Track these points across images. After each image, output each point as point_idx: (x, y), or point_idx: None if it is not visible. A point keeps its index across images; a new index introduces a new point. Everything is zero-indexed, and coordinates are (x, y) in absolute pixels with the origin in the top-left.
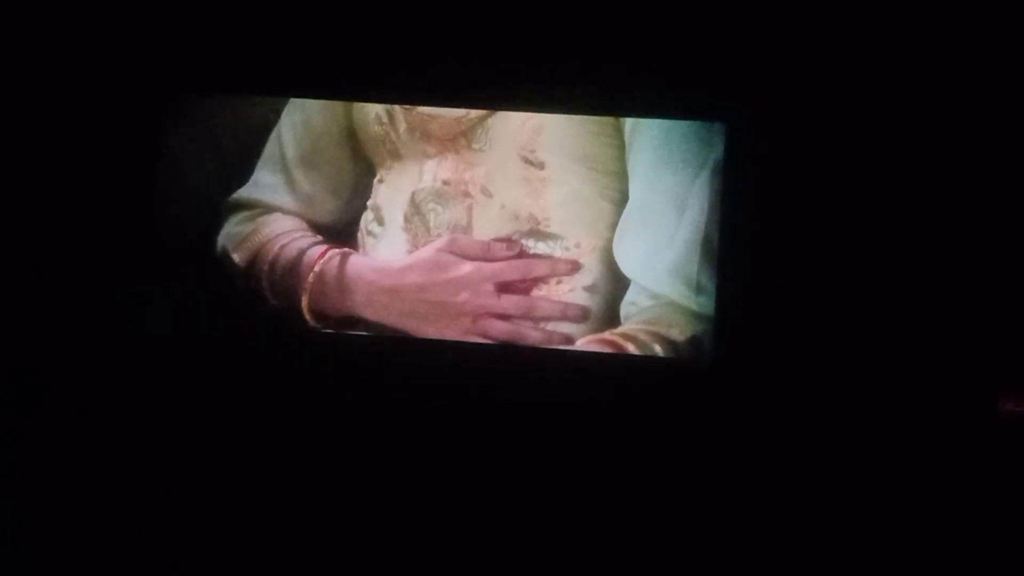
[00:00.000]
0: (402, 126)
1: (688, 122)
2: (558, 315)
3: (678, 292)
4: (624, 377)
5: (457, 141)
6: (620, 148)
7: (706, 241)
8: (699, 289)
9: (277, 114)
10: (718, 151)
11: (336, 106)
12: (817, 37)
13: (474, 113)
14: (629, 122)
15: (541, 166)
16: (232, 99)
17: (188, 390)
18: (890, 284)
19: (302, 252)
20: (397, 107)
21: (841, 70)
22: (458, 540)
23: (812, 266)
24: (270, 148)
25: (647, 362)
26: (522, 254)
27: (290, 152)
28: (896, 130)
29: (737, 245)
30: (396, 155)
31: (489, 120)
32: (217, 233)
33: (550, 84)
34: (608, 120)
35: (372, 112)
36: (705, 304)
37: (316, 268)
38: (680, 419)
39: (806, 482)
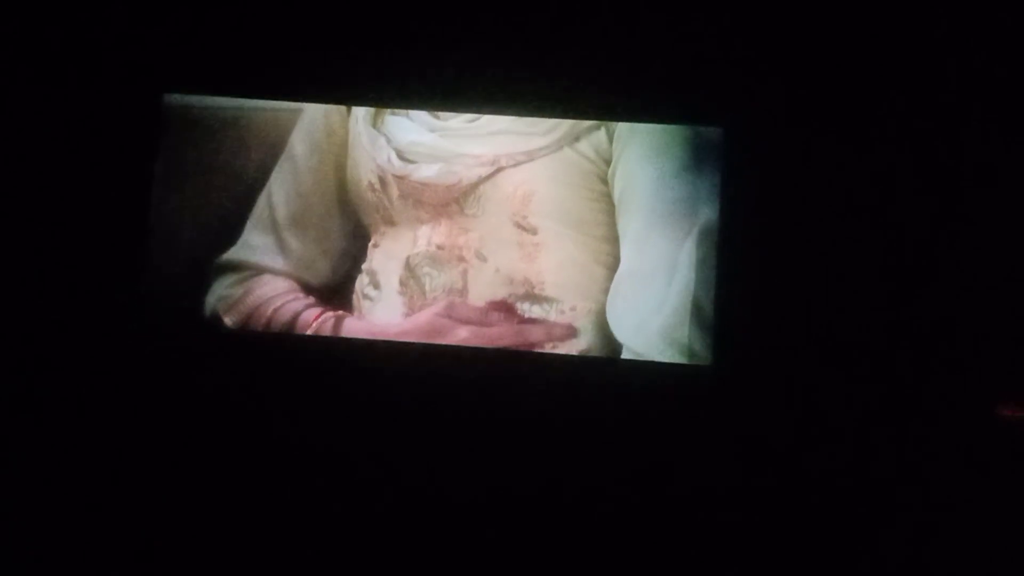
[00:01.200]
0: (395, 193)
1: (676, 186)
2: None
3: (669, 358)
4: (624, 382)
5: (450, 207)
6: (611, 213)
7: (696, 306)
8: (691, 355)
9: (267, 174)
10: (705, 216)
11: (327, 168)
12: (814, 42)
13: (466, 180)
14: (618, 187)
15: (534, 231)
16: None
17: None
18: (888, 289)
19: (296, 315)
20: (390, 174)
21: (838, 75)
22: (458, 542)
23: (810, 271)
24: (260, 208)
25: (647, 367)
26: (518, 318)
27: (281, 213)
28: (893, 138)
29: (736, 250)
30: (390, 221)
31: (481, 187)
32: (206, 294)
33: (547, 88)
34: (598, 186)
35: (364, 179)
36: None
37: (311, 331)
38: (680, 423)
39: (805, 486)
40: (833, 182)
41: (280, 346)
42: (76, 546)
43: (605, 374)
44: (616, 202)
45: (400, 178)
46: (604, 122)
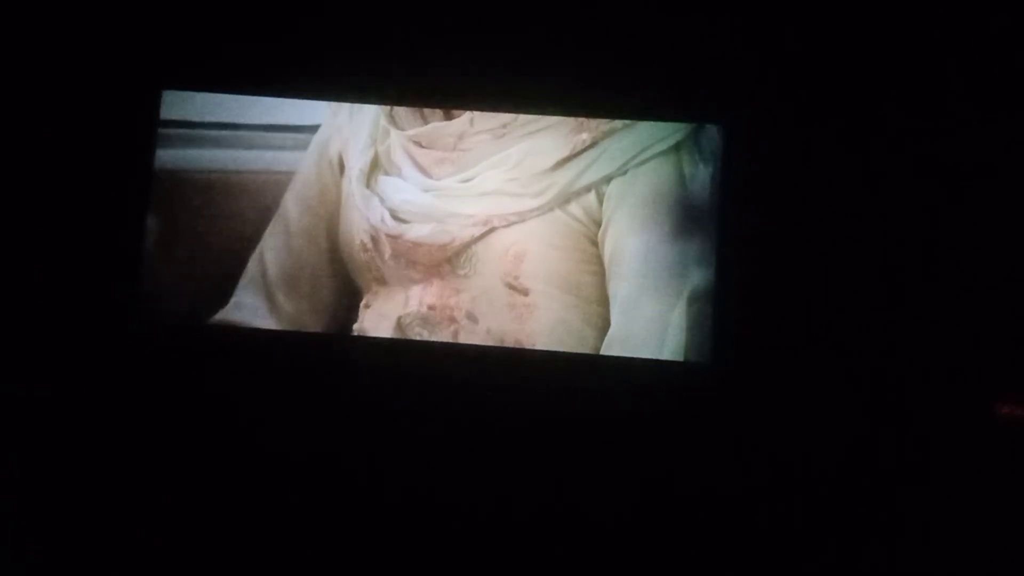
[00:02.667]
0: (387, 252)
1: (666, 249)
2: None
3: None
4: (625, 380)
5: (442, 267)
6: (601, 275)
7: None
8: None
9: (259, 234)
10: (696, 279)
11: (319, 228)
12: (813, 40)
13: (459, 240)
14: (608, 249)
15: (525, 292)
16: (213, 215)
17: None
18: (887, 290)
19: None
20: (383, 234)
21: (837, 73)
22: (458, 545)
23: (809, 271)
24: (251, 268)
25: (647, 366)
26: None
27: (272, 273)
28: (892, 138)
29: (734, 249)
30: (382, 281)
31: (473, 247)
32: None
33: (547, 87)
34: (589, 248)
35: (357, 239)
36: None
37: None
38: (679, 422)
39: (805, 485)
40: (832, 181)
41: (277, 347)
42: (73, 546)
43: (603, 373)
44: (606, 264)
45: (393, 238)
46: (594, 185)
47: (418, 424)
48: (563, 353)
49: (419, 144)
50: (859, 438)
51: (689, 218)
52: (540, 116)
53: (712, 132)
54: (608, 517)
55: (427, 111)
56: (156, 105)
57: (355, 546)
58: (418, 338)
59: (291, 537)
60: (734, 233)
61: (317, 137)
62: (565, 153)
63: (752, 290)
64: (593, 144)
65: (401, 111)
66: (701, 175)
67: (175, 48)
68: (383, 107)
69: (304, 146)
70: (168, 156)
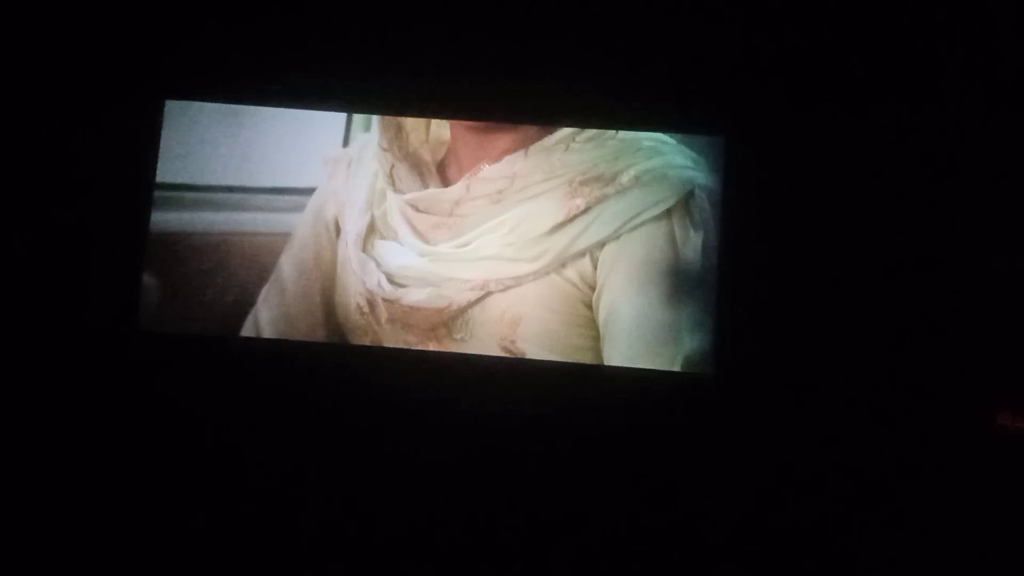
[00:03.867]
0: (383, 316)
1: (660, 315)
2: None
3: None
4: (627, 390)
5: (438, 330)
6: (596, 339)
7: None
8: None
9: (254, 295)
10: (690, 344)
11: (315, 290)
12: (816, 49)
13: (455, 304)
14: (602, 314)
15: (522, 356)
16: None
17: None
18: (887, 298)
19: None
20: (379, 298)
21: (838, 83)
22: (457, 548)
23: (810, 280)
24: (246, 329)
25: (649, 376)
26: None
27: (267, 334)
28: (892, 146)
29: (737, 259)
30: (378, 344)
31: (470, 311)
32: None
33: (549, 97)
34: (584, 311)
35: (353, 302)
36: None
37: None
38: (681, 432)
39: (804, 492)
40: (833, 190)
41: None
42: (69, 548)
43: (605, 383)
44: (601, 328)
45: (390, 302)
46: (589, 250)
47: (417, 434)
48: (564, 363)
49: (416, 208)
50: (858, 448)
51: (682, 283)
52: (535, 183)
53: (702, 199)
54: (610, 529)
55: (426, 175)
56: (158, 115)
57: (349, 558)
58: None
59: (282, 548)
60: (736, 244)
61: (313, 199)
62: (560, 218)
63: (753, 298)
64: (587, 209)
65: (401, 172)
66: (693, 240)
67: (177, 58)
68: (381, 167)
69: (301, 208)
70: (164, 219)
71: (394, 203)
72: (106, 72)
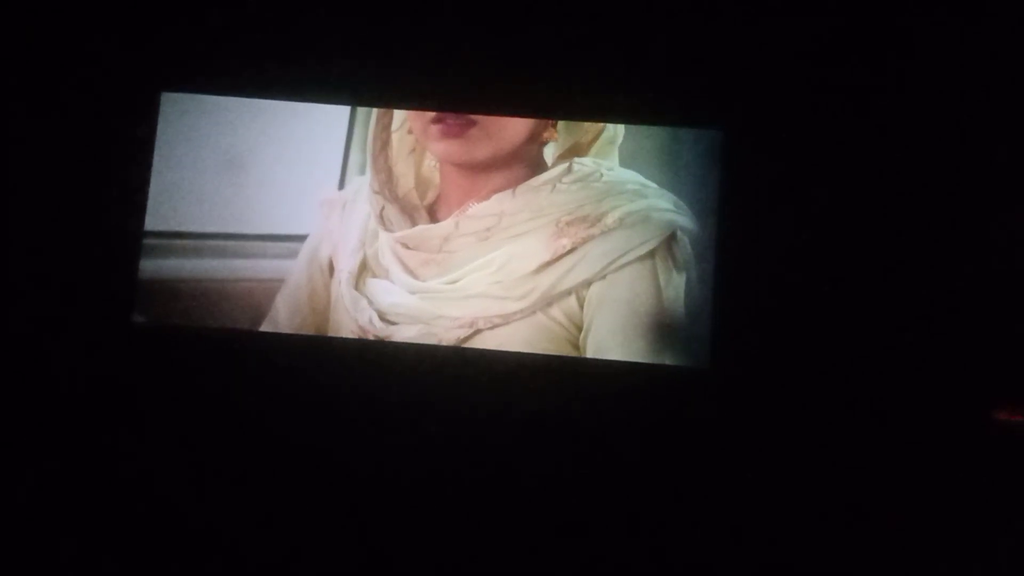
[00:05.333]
0: None
1: (643, 356)
2: None
3: None
4: (625, 383)
5: None
6: None
7: None
8: None
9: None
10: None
11: (308, 329)
12: (815, 43)
13: (445, 342)
14: (589, 354)
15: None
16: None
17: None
18: (885, 293)
19: None
20: (370, 334)
21: (837, 77)
22: (454, 547)
23: (808, 276)
24: None
25: (646, 370)
26: None
27: None
28: (892, 143)
29: (734, 254)
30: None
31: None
32: None
33: (547, 90)
34: (571, 351)
35: None
36: None
37: None
38: (678, 425)
39: (801, 488)
40: (832, 186)
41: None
42: (68, 547)
43: (601, 377)
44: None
45: (381, 339)
46: (575, 289)
47: (415, 426)
48: (561, 358)
49: (406, 246)
50: (856, 445)
51: (664, 323)
52: (522, 222)
53: (684, 241)
54: (609, 527)
55: (416, 217)
56: (155, 107)
57: (347, 550)
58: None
59: (282, 548)
60: (733, 239)
61: (309, 241)
62: (546, 257)
63: (751, 294)
64: (573, 249)
65: (391, 213)
66: (675, 281)
67: (174, 50)
68: (373, 208)
69: (295, 255)
70: (155, 267)
71: (386, 242)
72: (101, 64)
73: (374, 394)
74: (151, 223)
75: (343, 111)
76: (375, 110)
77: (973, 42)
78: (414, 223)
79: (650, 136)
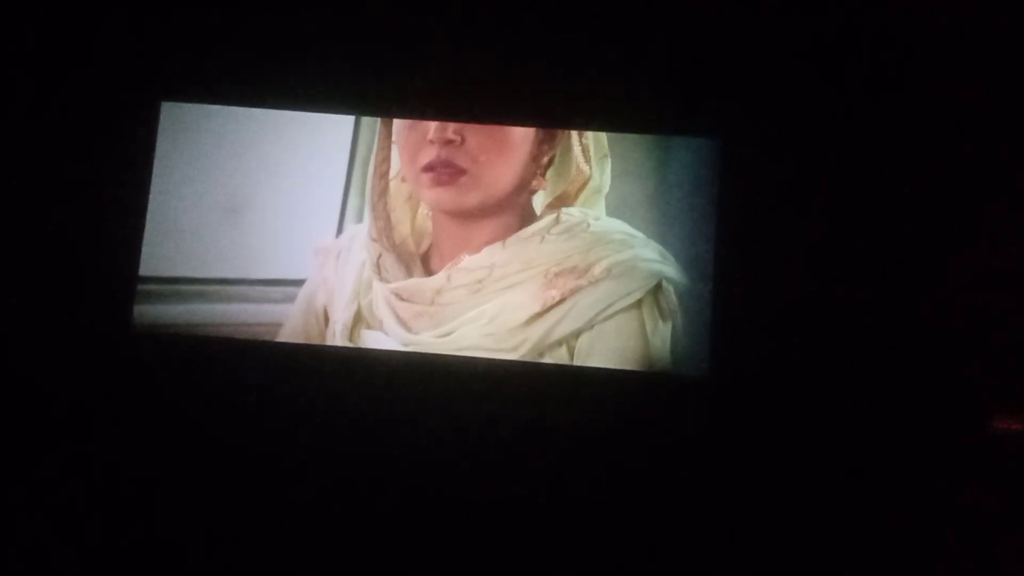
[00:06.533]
0: None
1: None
2: None
3: None
4: (624, 391)
5: None
6: None
7: None
8: None
9: None
10: None
11: None
12: (814, 53)
13: None
14: None
15: None
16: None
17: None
18: (884, 300)
19: None
20: None
21: (836, 86)
22: (454, 555)
23: (807, 283)
24: None
25: (645, 378)
26: None
27: None
28: (891, 150)
29: (733, 261)
30: None
31: None
32: None
33: (546, 98)
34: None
35: None
36: None
37: None
38: (678, 432)
39: (800, 494)
40: (832, 194)
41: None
42: (67, 548)
43: (600, 385)
44: None
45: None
46: (565, 339)
47: (412, 432)
48: (559, 366)
49: (400, 297)
50: (856, 451)
51: (652, 372)
52: (513, 273)
53: (669, 291)
54: (607, 533)
55: (411, 265)
56: (155, 117)
57: (344, 552)
58: None
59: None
60: (733, 246)
61: (304, 290)
62: (536, 309)
63: (750, 300)
64: (562, 300)
65: (388, 262)
66: (661, 330)
67: (174, 59)
68: (369, 256)
69: (292, 300)
70: (148, 312)
71: (380, 292)
72: (102, 72)
73: (372, 402)
74: (146, 268)
75: (342, 154)
76: (373, 158)
77: (973, 44)
78: (409, 272)
79: (639, 182)
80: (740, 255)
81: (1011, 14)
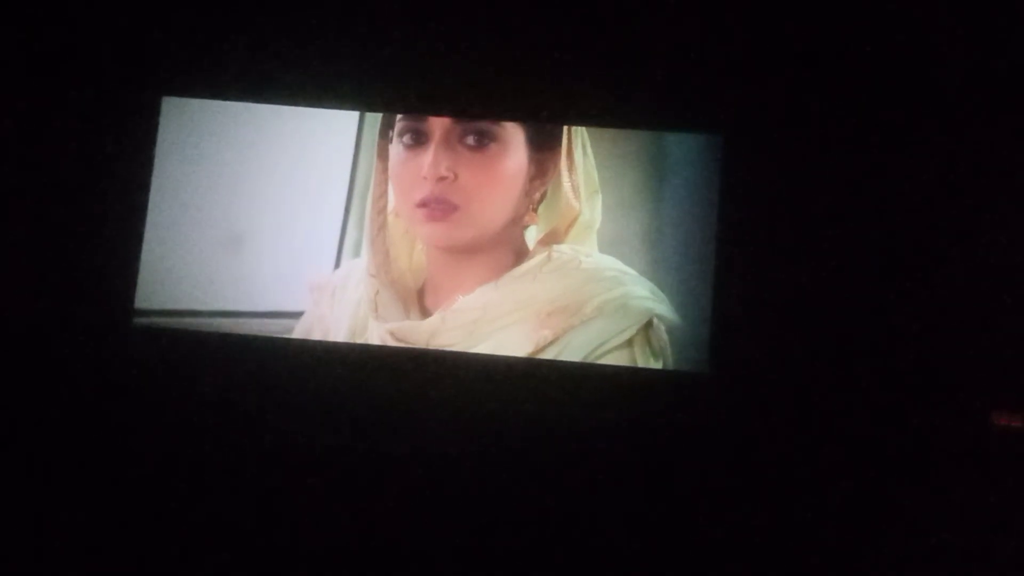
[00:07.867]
0: None
1: None
2: None
3: None
4: (624, 389)
5: None
6: None
7: None
8: None
9: None
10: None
11: None
12: (815, 48)
13: None
14: None
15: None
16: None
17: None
18: (885, 297)
19: None
20: None
21: (838, 81)
22: (454, 553)
23: (808, 280)
24: None
25: (647, 374)
26: None
27: None
28: (892, 147)
29: (734, 258)
30: None
31: None
32: None
33: (546, 95)
34: None
35: None
36: None
37: None
38: (679, 430)
39: (802, 492)
40: (832, 191)
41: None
42: (67, 547)
43: (603, 382)
44: None
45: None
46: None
47: (413, 431)
48: (559, 363)
49: (395, 338)
50: (856, 448)
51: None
52: (506, 313)
53: (660, 329)
54: (609, 529)
55: (408, 302)
56: (156, 112)
57: (344, 550)
58: None
59: (281, 548)
60: (734, 243)
61: (300, 324)
62: (530, 349)
63: (751, 298)
64: (555, 340)
65: (385, 298)
66: (652, 368)
67: (176, 55)
68: (366, 292)
69: (290, 332)
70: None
71: (375, 332)
72: (103, 68)
73: (375, 397)
74: (148, 301)
75: (342, 182)
76: (371, 190)
77: (973, 44)
78: (406, 309)
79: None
80: (740, 255)
81: (1011, 13)
